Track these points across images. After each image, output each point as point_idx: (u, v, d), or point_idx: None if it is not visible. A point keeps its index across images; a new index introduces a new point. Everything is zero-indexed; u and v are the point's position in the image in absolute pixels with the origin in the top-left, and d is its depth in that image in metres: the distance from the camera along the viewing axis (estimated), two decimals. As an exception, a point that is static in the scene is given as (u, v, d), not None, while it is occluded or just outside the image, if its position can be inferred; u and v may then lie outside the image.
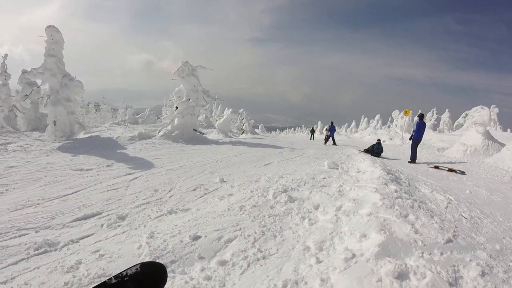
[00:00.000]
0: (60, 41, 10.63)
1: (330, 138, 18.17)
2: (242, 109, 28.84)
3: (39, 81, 10.79)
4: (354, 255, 2.73)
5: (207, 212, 4.10)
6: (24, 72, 14.19)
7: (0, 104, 13.41)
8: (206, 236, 3.32)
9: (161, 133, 12.57)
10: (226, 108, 23.83)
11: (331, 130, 18.19)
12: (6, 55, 16.86)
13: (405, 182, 5.67)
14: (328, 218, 3.86)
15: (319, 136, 33.72)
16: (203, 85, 14.04)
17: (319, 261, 2.77)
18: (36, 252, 2.93)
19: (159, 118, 32.63)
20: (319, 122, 44.59)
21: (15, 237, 3.24)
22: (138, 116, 28.65)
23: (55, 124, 10.10)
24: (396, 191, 4.59)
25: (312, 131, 32.87)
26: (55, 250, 3.01)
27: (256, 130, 31.49)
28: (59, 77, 10.31)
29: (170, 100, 23.47)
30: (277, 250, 3.07)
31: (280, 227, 3.65)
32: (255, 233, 3.44)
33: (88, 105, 45.82)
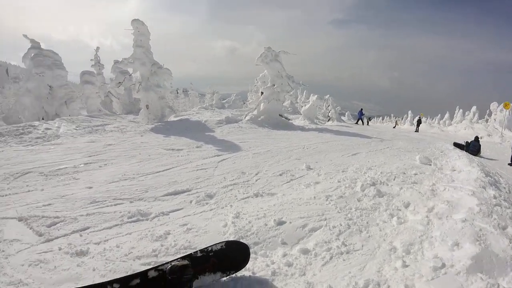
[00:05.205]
0: (146, 33, 11.49)
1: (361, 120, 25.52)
2: (328, 95, 27.36)
3: (130, 70, 11.94)
4: (443, 265, 2.55)
5: (293, 198, 4.12)
6: (116, 62, 15.98)
7: (96, 91, 15.51)
8: (290, 222, 3.36)
9: (247, 117, 12.96)
10: (312, 94, 22.92)
11: (359, 114, 25.16)
12: (98, 48, 19.15)
13: (504, 188, 4.97)
14: (418, 219, 3.62)
15: (410, 127, 31.14)
16: (287, 70, 13.89)
17: (405, 265, 2.64)
18: (129, 220, 3.30)
19: (244, 103, 33.16)
20: (409, 112, 40.15)
21: (112, 205, 3.68)
22: (225, 101, 29.14)
23: (147, 108, 11.25)
24: (495, 197, 4.06)
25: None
26: (147, 219, 3.35)
27: (343, 118, 30.13)
28: (148, 66, 11.32)
29: (255, 85, 23.78)
30: (362, 246, 3.00)
31: (367, 222, 3.53)
32: (340, 225, 3.39)
33: (177, 91, 48.90)
